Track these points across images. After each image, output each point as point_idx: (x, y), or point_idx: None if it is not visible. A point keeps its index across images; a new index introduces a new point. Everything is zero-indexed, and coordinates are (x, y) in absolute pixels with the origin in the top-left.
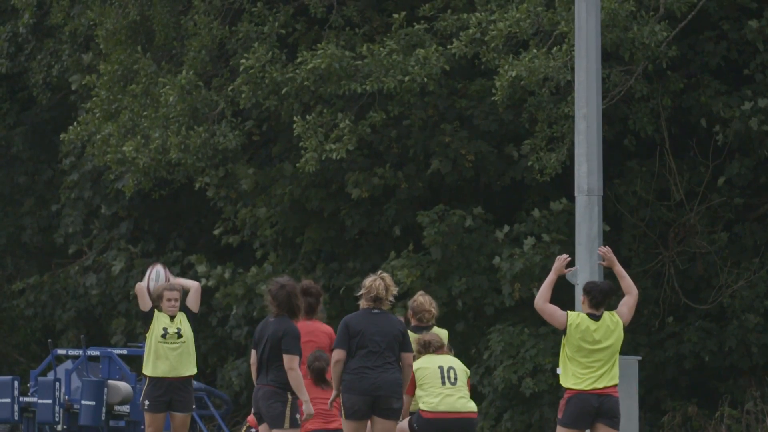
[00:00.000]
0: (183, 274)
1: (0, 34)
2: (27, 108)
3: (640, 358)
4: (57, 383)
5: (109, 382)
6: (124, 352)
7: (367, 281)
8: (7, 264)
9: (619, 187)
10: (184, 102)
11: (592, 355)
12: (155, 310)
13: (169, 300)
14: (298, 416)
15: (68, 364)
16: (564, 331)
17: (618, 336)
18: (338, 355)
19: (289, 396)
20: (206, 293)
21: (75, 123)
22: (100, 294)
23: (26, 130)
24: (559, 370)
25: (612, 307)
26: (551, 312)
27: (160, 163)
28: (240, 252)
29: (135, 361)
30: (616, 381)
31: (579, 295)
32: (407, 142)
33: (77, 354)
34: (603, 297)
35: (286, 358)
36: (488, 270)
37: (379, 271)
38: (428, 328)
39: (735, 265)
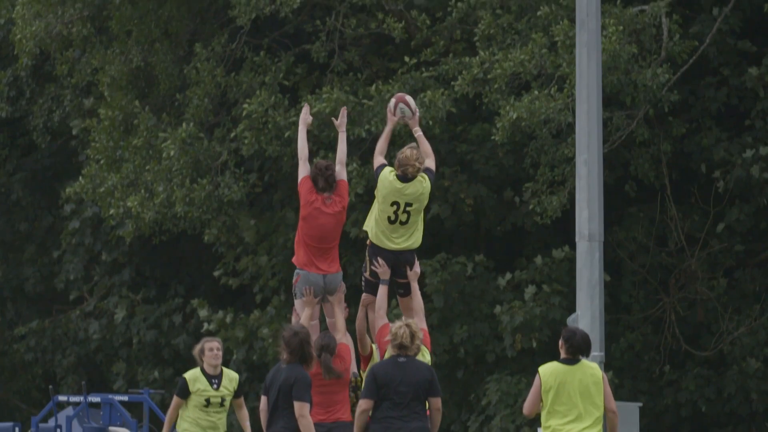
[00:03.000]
0: (185, 321)
1: (0, 79)
2: (27, 153)
3: (640, 404)
4: (58, 430)
5: (111, 428)
6: (125, 398)
7: (393, 328)
8: (8, 310)
9: (620, 233)
10: (186, 155)
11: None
12: (194, 373)
13: (211, 350)
14: None
15: (69, 411)
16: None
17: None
18: (365, 405)
19: None
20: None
21: (80, 177)
22: (101, 340)
23: (26, 176)
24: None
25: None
26: (533, 402)
27: (166, 216)
28: (241, 296)
29: (136, 408)
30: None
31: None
32: None
33: (78, 400)
34: (579, 348)
35: (296, 405)
36: (489, 318)
37: (404, 317)
38: (412, 179)
39: (735, 312)
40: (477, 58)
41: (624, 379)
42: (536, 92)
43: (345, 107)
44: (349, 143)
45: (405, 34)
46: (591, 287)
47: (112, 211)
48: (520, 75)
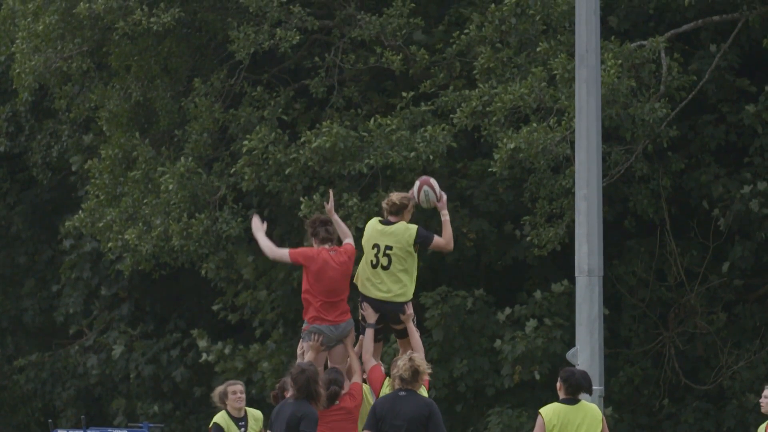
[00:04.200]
0: (183, 354)
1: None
2: (27, 188)
3: None
4: None
5: None
6: None
7: (399, 362)
8: (7, 344)
9: (619, 268)
10: (184, 189)
11: None
12: (224, 418)
13: (234, 393)
14: None
15: None
16: None
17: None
18: None
19: None
20: (206, 372)
21: (80, 211)
22: (100, 374)
23: (26, 210)
24: None
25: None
26: None
27: (163, 249)
28: (240, 331)
29: None
30: None
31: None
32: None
33: None
34: (579, 386)
35: None
36: (489, 352)
37: (410, 352)
38: (395, 222)
39: (735, 346)
40: (476, 91)
41: (623, 413)
42: (535, 125)
43: (331, 189)
44: (349, 179)
45: (404, 66)
46: (590, 321)
47: (110, 245)
48: (520, 108)
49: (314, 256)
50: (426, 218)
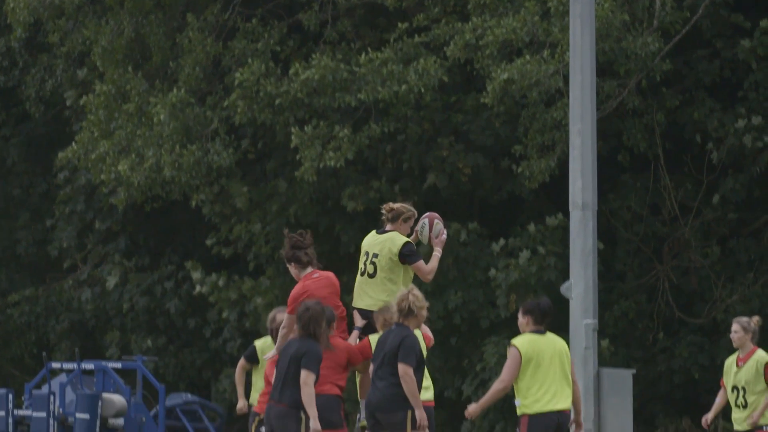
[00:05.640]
0: (177, 286)
1: None
2: (22, 122)
3: (634, 371)
4: (51, 396)
5: (104, 395)
6: (119, 365)
7: (398, 295)
8: (1, 279)
9: (614, 202)
10: (176, 120)
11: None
12: (266, 342)
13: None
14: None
15: (63, 378)
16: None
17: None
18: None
19: (303, 416)
20: (200, 305)
21: (73, 143)
22: (94, 308)
23: (21, 143)
24: (518, 402)
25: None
26: (513, 374)
27: (155, 181)
28: (235, 264)
29: (130, 375)
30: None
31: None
32: (402, 157)
33: (72, 367)
34: (546, 312)
35: (303, 373)
36: (484, 284)
37: (411, 286)
38: (389, 231)
39: (729, 280)
40: (469, 24)
41: (618, 346)
42: (528, 57)
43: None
44: (340, 111)
45: (398, 1)
46: (585, 256)
47: (102, 177)
48: (512, 42)
49: (300, 294)
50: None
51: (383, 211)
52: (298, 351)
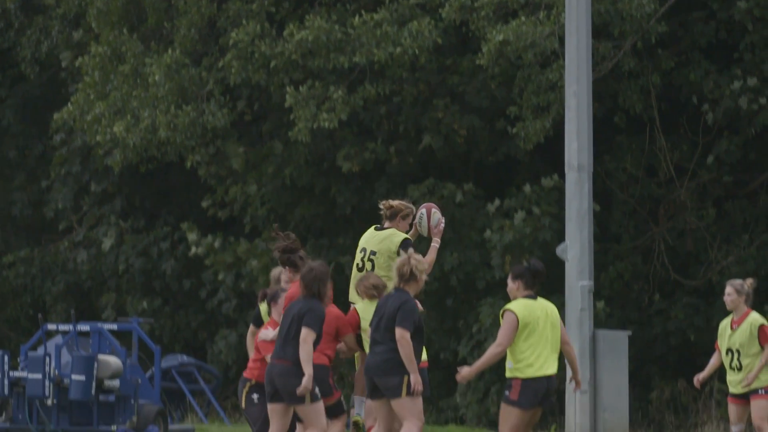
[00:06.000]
0: (173, 247)
1: None
2: (17, 83)
3: (630, 333)
4: (47, 358)
5: (99, 357)
6: (115, 327)
7: (399, 259)
8: None
9: (609, 164)
10: (171, 81)
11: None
12: None
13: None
14: (317, 390)
15: (58, 339)
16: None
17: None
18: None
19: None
20: (196, 266)
21: (68, 104)
22: (90, 269)
23: (17, 105)
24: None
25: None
26: (510, 338)
27: (150, 141)
28: (231, 226)
29: (125, 337)
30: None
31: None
32: (398, 119)
33: (67, 329)
34: (538, 273)
35: (304, 330)
36: (479, 245)
37: (410, 251)
38: (387, 228)
39: (724, 242)
40: None
41: (613, 308)
42: (523, 18)
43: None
44: (336, 72)
45: None
46: (580, 217)
47: (98, 138)
48: (507, 3)
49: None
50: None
51: (381, 208)
52: (301, 310)
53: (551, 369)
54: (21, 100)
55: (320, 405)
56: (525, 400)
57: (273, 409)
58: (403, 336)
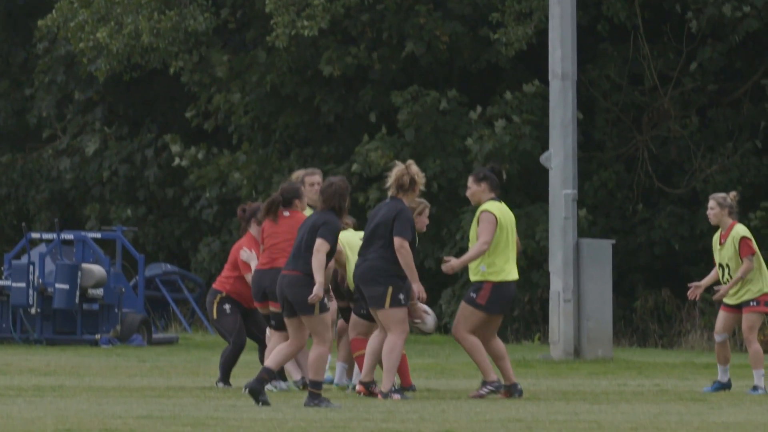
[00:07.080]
0: (157, 155)
1: None
2: None
3: (613, 242)
4: (31, 267)
5: (83, 265)
6: (99, 236)
7: (395, 168)
8: None
9: (593, 72)
10: None
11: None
12: None
13: (312, 185)
14: (326, 300)
15: (42, 248)
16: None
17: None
18: None
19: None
20: (179, 174)
21: (52, 11)
22: (74, 178)
23: (0, 12)
24: (483, 268)
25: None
26: (491, 232)
27: (134, 48)
28: (214, 135)
29: (109, 245)
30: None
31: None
32: (381, 26)
33: (51, 238)
34: (499, 173)
35: (318, 241)
36: (462, 152)
37: (409, 162)
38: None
39: (708, 150)
40: None
41: (597, 216)
42: None
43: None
44: None
45: None
46: (564, 125)
47: (81, 45)
48: None
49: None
50: None
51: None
52: (316, 222)
53: (516, 274)
54: (4, 8)
55: (327, 316)
56: (492, 305)
57: (289, 323)
58: (402, 245)
